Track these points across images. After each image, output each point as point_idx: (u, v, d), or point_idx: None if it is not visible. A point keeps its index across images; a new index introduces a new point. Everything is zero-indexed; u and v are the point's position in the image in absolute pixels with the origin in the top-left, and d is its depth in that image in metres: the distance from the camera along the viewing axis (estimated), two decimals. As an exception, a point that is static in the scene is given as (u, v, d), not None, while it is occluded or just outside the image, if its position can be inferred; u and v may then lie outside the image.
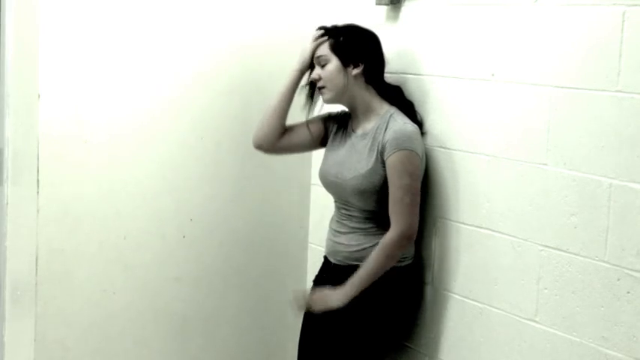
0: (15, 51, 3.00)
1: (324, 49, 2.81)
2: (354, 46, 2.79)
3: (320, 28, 2.87)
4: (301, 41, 3.48)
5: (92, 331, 3.24)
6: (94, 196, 3.18)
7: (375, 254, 2.72)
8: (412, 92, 2.90)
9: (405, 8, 2.95)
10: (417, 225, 2.72)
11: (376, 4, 3.00)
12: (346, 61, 2.79)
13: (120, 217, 3.24)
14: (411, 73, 2.91)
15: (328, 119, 2.97)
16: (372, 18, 3.05)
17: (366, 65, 2.79)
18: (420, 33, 2.89)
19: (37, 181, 3.07)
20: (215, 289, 3.49)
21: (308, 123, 2.94)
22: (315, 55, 2.83)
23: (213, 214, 3.45)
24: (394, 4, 2.96)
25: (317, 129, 2.96)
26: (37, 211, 3.08)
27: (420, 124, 2.83)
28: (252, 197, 3.52)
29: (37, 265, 3.11)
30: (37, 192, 3.08)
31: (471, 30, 2.71)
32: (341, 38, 2.81)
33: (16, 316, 3.10)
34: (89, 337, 3.24)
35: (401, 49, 2.89)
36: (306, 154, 3.48)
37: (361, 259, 2.76)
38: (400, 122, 2.73)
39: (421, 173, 2.76)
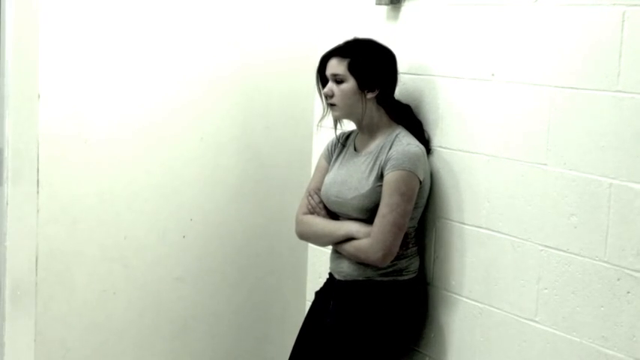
0: (15, 51, 3.00)
1: (342, 68, 2.73)
2: (373, 70, 2.74)
3: (337, 48, 2.77)
4: (301, 43, 3.50)
5: (92, 331, 3.24)
6: (94, 196, 3.18)
7: (350, 244, 2.73)
8: (412, 92, 2.90)
9: (405, 8, 2.95)
10: (396, 248, 2.68)
11: (376, 4, 2.99)
12: (363, 85, 2.74)
13: (120, 217, 3.25)
14: (410, 74, 2.91)
15: (329, 154, 2.95)
16: (372, 18, 3.05)
17: (381, 90, 2.77)
18: (420, 33, 2.89)
19: (37, 181, 3.08)
20: (215, 289, 3.49)
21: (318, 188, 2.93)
22: (332, 72, 2.76)
23: (213, 214, 3.45)
24: (394, 4, 2.96)
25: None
26: (37, 211, 3.09)
27: (427, 142, 2.82)
28: (252, 197, 3.53)
29: (37, 265, 3.11)
30: (37, 192, 3.08)
31: (471, 30, 2.70)
32: (360, 59, 2.74)
33: (16, 316, 3.10)
34: (89, 337, 3.24)
35: (401, 49, 2.88)
36: (305, 155, 3.48)
37: (364, 274, 2.75)
38: (404, 142, 2.71)
39: (421, 194, 2.74)
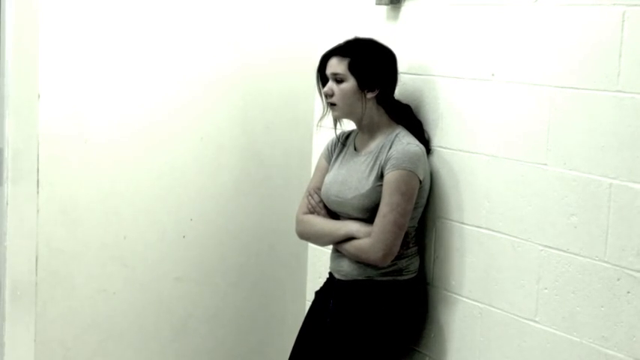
0: (15, 51, 3.00)
1: (342, 68, 2.73)
2: (373, 69, 2.73)
3: (337, 47, 2.78)
4: (301, 43, 3.50)
5: (92, 331, 3.24)
6: (94, 196, 3.18)
7: (350, 243, 2.74)
8: (412, 92, 2.91)
9: (405, 8, 2.95)
10: (396, 248, 2.68)
11: (376, 4, 2.99)
12: (363, 85, 2.74)
13: (120, 217, 3.25)
14: (410, 73, 2.91)
15: (330, 153, 2.95)
16: (372, 18, 3.05)
17: (381, 89, 2.77)
18: (420, 33, 2.89)
19: (37, 181, 3.08)
20: (215, 289, 3.49)
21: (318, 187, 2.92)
22: (332, 72, 2.76)
23: (213, 214, 3.45)
24: (394, 4, 2.96)
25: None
26: (37, 211, 3.09)
27: (427, 142, 2.82)
28: (252, 197, 3.53)
29: (37, 265, 3.11)
30: (37, 192, 3.08)
31: (471, 30, 2.70)
32: (360, 59, 2.73)
33: (16, 316, 3.10)
34: (89, 337, 3.24)
35: (401, 49, 2.88)
36: (305, 155, 3.48)
37: (364, 274, 2.76)
38: (404, 142, 2.71)
39: (421, 194, 2.75)
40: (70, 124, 3.11)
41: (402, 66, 2.86)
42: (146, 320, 3.35)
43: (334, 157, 2.92)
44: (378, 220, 2.68)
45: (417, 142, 2.74)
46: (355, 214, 2.77)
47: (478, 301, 2.71)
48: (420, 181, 2.71)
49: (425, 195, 2.78)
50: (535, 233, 2.51)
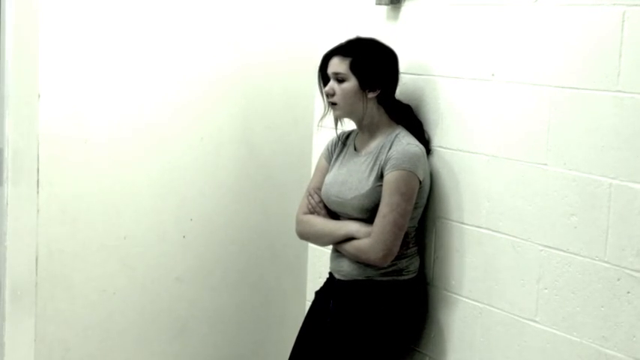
0: (15, 51, 3.00)
1: (343, 67, 2.73)
2: (375, 69, 2.74)
3: (339, 47, 2.78)
4: (301, 43, 3.50)
5: (92, 331, 3.24)
6: (94, 196, 3.19)
7: (350, 244, 2.74)
8: (412, 92, 2.91)
9: (405, 8, 2.95)
10: (396, 248, 2.68)
11: (376, 4, 2.99)
12: (364, 84, 2.74)
13: (120, 217, 3.25)
14: (410, 73, 2.91)
15: (330, 153, 2.95)
16: (372, 18, 3.05)
17: (382, 89, 2.78)
18: (420, 33, 2.89)
19: (37, 181, 3.08)
20: (215, 289, 3.49)
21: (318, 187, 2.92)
22: (333, 71, 2.76)
23: (213, 214, 3.45)
24: (394, 4, 2.96)
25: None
26: (37, 211, 3.09)
27: (427, 143, 2.82)
28: (252, 197, 3.53)
29: (37, 265, 3.11)
30: (37, 192, 3.08)
31: (471, 30, 2.70)
32: (362, 59, 2.74)
33: (16, 316, 3.10)
34: (89, 337, 3.24)
35: (401, 49, 2.88)
36: (305, 155, 3.48)
37: (364, 274, 2.76)
38: (404, 142, 2.72)
39: (421, 194, 2.75)
40: (70, 124, 3.11)
41: (402, 66, 2.86)
42: (146, 320, 3.35)
43: (334, 157, 2.92)
44: (377, 220, 2.69)
45: (416, 142, 2.74)
46: (355, 215, 2.77)
47: (478, 301, 2.71)
48: (420, 182, 2.71)
49: (425, 195, 2.78)
50: (535, 233, 2.51)
